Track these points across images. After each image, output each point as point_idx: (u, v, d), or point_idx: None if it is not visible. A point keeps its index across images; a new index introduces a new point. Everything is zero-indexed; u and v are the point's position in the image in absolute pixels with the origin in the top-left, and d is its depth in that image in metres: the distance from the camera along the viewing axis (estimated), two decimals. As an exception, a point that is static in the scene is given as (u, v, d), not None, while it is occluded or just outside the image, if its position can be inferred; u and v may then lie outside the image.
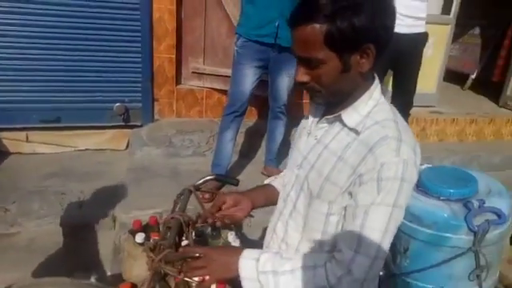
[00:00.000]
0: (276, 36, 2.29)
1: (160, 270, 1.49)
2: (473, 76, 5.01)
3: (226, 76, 3.17)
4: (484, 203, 1.22)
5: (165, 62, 3.15)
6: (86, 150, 3.06)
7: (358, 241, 0.89)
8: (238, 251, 1.06)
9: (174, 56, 3.15)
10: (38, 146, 2.97)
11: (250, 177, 2.84)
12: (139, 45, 3.01)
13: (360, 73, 0.93)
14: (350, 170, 0.92)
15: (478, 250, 1.21)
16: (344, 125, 0.97)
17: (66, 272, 2.01)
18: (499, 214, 1.21)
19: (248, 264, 1.01)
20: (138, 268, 1.63)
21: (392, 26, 0.94)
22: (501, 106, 4.22)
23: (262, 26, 2.28)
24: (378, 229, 0.88)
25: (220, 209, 1.19)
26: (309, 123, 1.10)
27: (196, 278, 1.11)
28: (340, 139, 0.97)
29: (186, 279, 1.20)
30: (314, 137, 1.05)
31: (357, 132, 0.94)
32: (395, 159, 0.87)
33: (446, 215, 1.24)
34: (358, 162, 0.90)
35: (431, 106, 3.93)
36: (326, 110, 1.06)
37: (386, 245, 0.90)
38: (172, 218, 1.48)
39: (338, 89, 0.95)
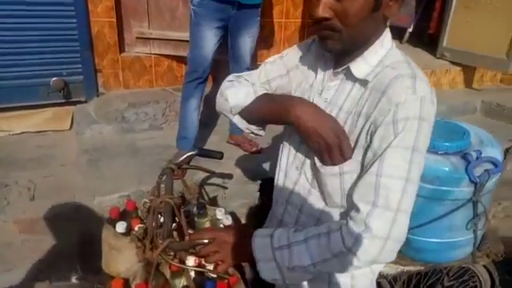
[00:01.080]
0: (235, -8, 2.11)
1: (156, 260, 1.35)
2: (410, 29, 5.19)
3: (176, 40, 2.93)
4: (481, 154, 1.25)
5: (104, 27, 2.79)
6: (23, 133, 2.68)
7: (374, 191, 0.80)
8: (248, 231, 0.97)
9: (114, 20, 2.81)
10: (-38, 133, 2.55)
11: (215, 147, 2.70)
12: (72, 8, 2.62)
13: (385, 17, 0.84)
14: (364, 119, 0.84)
15: (477, 199, 1.25)
16: (355, 79, 0.88)
17: (30, 273, 1.79)
18: (495, 163, 1.25)
19: (262, 242, 0.92)
20: (125, 261, 1.47)
21: None
22: (438, 58, 4.42)
23: (219, -19, 2.07)
24: (398, 176, 0.79)
25: None
26: (317, 81, 0.98)
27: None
28: (353, 96, 0.89)
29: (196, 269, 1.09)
30: (323, 99, 0.94)
31: (367, 82, 0.86)
32: (412, 97, 0.79)
33: (447, 169, 1.25)
34: (372, 109, 0.82)
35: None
36: (334, 65, 0.95)
37: (410, 196, 0.81)
38: (161, 202, 1.34)
39: (361, 31, 0.84)
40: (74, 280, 1.32)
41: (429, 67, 4.17)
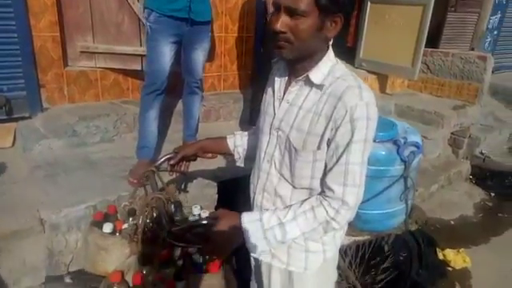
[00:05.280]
0: (189, 10, 2.30)
1: (147, 252, 1.50)
2: (330, 43, 5.79)
3: (122, 54, 3.00)
4: (407, 139, 1.61)
5: (47, 42, 2.78)
6: (-41, 153, 2.54)
7: (344, 176, 1.09)
8: (234, 218, 1.16)
9: (57, 34, 2.81)
10: None
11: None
12: (13, 22, 2.58)
13: (326, 37, 1.09)
14: (326, 119, 1.09)
15: (407, 175, 1.61)
16: (311, 85, 1.13)
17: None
18: (418, 146, 1.62)
19: (253, 226, 1.13)
20: (114, 259, 1.58)
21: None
22: (356, 67, 4.98)
23: (174, 0, 2.25)
24: (357, 162, 1.09)
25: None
26: (275, 89, 1.24)
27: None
28: (311, 98, 1.14)
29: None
30: (286, 101, 1.20)
31: (323, 87, 1.11)
32: (360, 102, 1.05)
33: (383, 153, 1.59)
34: (331, 111, 1.08)
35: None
36: (289, 75, 1.21)
37: (364, 173, 1.12)
38: (152, 198, 1.49)
39: (307, 45, 1.08)
40: (67, 280, 1.39)
41: (350, 76, 4.71)
